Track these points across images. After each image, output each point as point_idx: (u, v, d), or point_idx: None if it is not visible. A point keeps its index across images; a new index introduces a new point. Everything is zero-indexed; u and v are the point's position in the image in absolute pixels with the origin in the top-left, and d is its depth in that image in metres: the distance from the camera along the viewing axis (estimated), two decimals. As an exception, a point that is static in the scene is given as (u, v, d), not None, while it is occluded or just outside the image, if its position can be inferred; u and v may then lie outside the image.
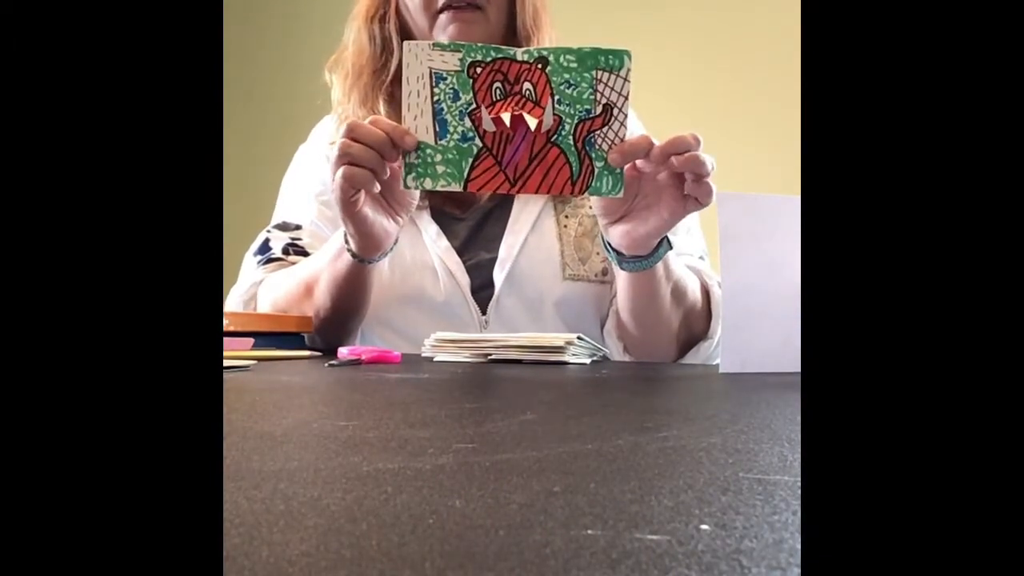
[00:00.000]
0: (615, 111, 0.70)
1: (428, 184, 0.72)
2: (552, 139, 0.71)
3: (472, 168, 0.71)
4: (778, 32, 2.06)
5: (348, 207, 0.75)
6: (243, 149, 2.48)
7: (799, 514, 0.19)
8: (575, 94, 0.71)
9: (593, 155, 0.71)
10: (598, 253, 0.95)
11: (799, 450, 0.28)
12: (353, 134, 0.72)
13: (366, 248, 0.81)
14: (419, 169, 0.71)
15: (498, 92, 0.72)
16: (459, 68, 0.71)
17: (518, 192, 0.73)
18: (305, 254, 0.98)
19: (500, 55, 0.71)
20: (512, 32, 0.97)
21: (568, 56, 0.70)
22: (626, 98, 0.70)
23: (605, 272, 0.95)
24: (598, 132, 0.71)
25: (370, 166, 0.72)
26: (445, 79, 0.71)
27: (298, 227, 1.01)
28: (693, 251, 0.97)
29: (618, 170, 0.71)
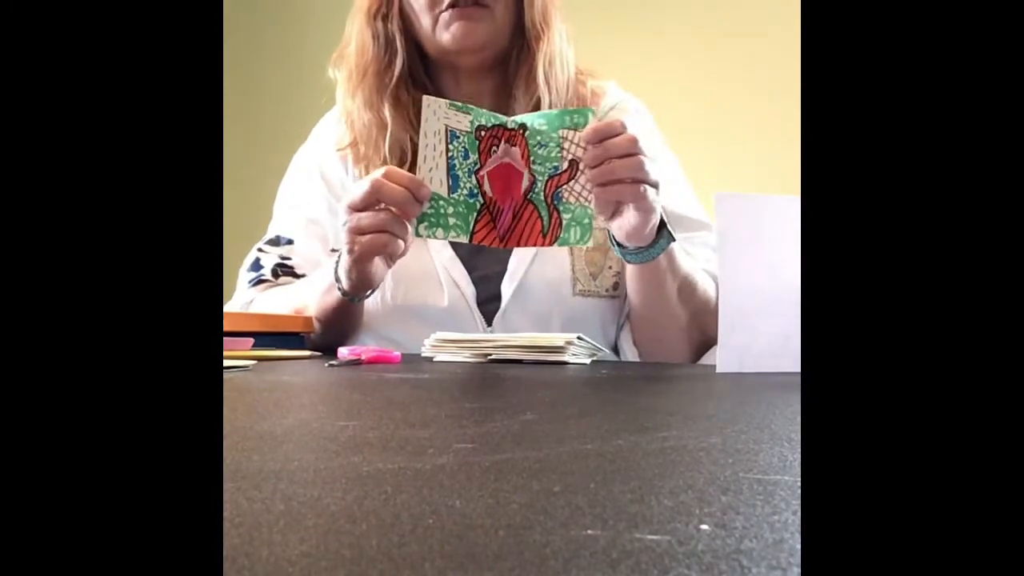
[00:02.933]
0: (580, 165, 0.76)
1: (440, 235, 0.79)
2: (528, 197, 0.79)
3: (476, 222, 0.79)
4: (778, 32, 2.06)
5: (362, 261, 0.79)
6: (243, 145, 2.47)
7: (799, 514, 0.19)
8: (545, 153, 0.78)
9: (561, 208, 0.78)
10: (611, 267, 0.95)
11: (799, 450, 0.28)
12: (380, 195, 0.75)
13: (357, 289, 0.84)
14: (432, 219, 0.78)
15: (494, 153, 0.80)
16: (469, 129, 0.79)
17: (505, 247, 0.81)
18: (294, 274, 0.99)
19: (498, 123, 0.79)
20: (520, 31, 0.95)
21: (540, 120, 0.79)
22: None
23: (616, 286, 0.95)
24: (565, 187, 0.78)
25: (401, 235, 0.76)
26: (458, 137, 0.79)
27: (290, 242, 1.01)
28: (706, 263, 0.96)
29: (585, 220, 0.77)
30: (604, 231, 0.94)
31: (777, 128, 1.95)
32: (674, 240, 0.82)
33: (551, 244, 0.79)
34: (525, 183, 0.79)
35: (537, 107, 0.92)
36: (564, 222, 0.78)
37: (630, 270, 0.88)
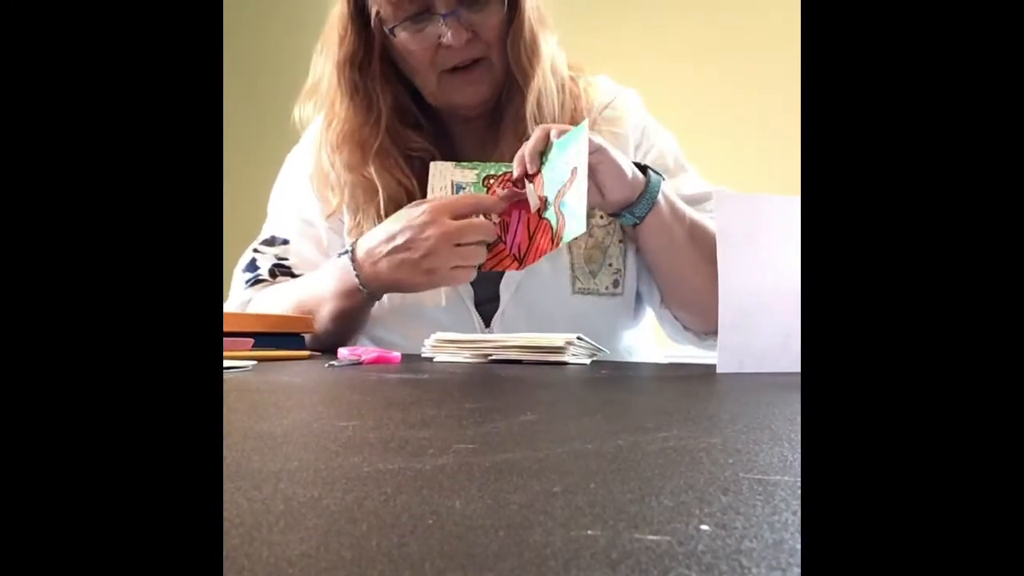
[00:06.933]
0: (578, 169, 0.80)
1: None
2: (543, 215, 0.84)
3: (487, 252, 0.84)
4: (778, 31, 2.06)
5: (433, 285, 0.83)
6: (243, 145, 2.47)
7: (799, 514, 0.19)
8: (556, 175, 0.83)
9: (564, 209, 0.82)
10: (610, 264, 0.95)
11: (799, 450, 0.28)
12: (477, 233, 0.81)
13: (387, 292, 0.87)
14: None
15: (501, 192, 0.86)
16: (476, 180, 0.86)
17: (523, 267, 0.85)
18: (291, 274, 0.98)
19: (509, 169, 0.86)
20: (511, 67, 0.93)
21: (553, 150, 0.83)
22: (585, 156, 0.79)
23: (616, 284, 0.95)
24: (569, 191, 0.81)
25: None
26: (464, 188, 0.86)
27: (285, 242, 1.01)
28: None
29: (580, 210, 0.80)
30: (604, 228, 0.94)
31: (777, 128, 1.95)
32: (662, 178, 0.86)
33: (559, 243, 0.82)
34: (535, 205, 0.84)
35: (523, 141, 0.92)
36: (566, 219, 0.81)
37: (640, 235, 0.89)
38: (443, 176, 0.86)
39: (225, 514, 0.19)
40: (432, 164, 0.87)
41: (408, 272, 0.81)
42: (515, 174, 0.85)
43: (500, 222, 0.85)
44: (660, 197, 0.85)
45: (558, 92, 0.95)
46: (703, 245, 0.88)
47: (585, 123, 0.80)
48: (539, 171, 0.84)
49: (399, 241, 0.81)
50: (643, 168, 0.86)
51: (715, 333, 0.92)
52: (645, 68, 2.07)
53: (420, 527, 0.18)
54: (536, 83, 0.91)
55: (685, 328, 0.96)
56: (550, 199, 0.83)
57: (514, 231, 0.85)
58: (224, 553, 0.16)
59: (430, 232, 0.79)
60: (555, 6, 0.97)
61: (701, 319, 0.93)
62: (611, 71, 1.05)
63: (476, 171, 0.87)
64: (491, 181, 0.87)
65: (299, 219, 1.01)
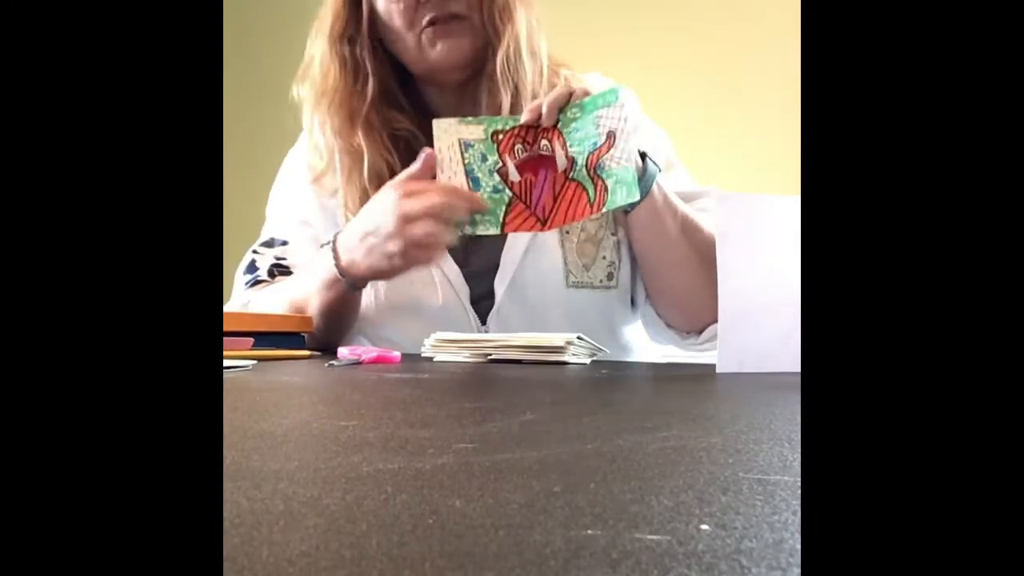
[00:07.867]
0: (618, 132, 0.78)
1: (468, 230, 0.81)
2: (569, 176, 0.81)
3: (506, 214, 0.81)
4: (778, 31, 2.06)
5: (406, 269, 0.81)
6: (243, 145, 2.47)
7: (799, 514, 0.19)
8: (583, 136, 0.80)
9: (604, 175, 0.79)
10: (604, 257, 0.95)
11: (799, 450, 0.28)
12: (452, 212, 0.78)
13: (366, 280, 0.86)
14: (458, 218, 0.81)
15: (520, 151, 0.82)
16: (483, 137, 0.82)
17: (549, 229, 0.82)
18: (290, 274, 0.99)
19: (518, 124, 0.82)
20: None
21: (574, 110, 0.80)
22: (625, 120, 0.79)
23: (610, 276, 0.95)
24: (606, 156, 0.79)
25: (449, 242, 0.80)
26: (472, 146, 0.82)
27: (284, 243, 1.01)
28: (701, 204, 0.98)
29: (629, 178, 0.78)
30: (597, 221, 0.95)
31: (776, 129, 1.95)
32: (659, 168, 0.85)
33: (600, 209, 0.80)
34: (562, 163, 0.81)
35: (499, 110, 0.91)
36: (609, 187, 0.79)
37: (631, 224, 0.89)
38: (448, 134, 0.82)
39: (225, 514, 0.19)
40: (435, 122, 0.82)
41: (377, 258, 0.81)
42: (524, 119, 0.81)
43: (524, 180, 0.81)
44: (655, 187, 0.85)
45: (539, 75, 0.94)
46: (693, 240, 0.89)
47: (617, 89, 0.79)
48: (557, 127, 0.80)
49: (369, 227, 0.81)
50: (642, 156, 0.85)
51: (697, 332, 0.93)
52: (643, 68, 2.07)
53: (420, 527, 0.18)
54: (506, 40, 0.91)
55: (668, 326, 0.96)
56: (579, 161, 0.80)
57: (540, 191, 0.81)
58: (224, 553, 0.16)
59: (389, 215, 0.78)
60: (550, 7, 0.97)
61: (685, 317, 0.94)
62: (608, 71, 1.05)
63: (483, 126, 0.82)
64: (500, 136, 0.81)
65: (298, 220, 1.01)
